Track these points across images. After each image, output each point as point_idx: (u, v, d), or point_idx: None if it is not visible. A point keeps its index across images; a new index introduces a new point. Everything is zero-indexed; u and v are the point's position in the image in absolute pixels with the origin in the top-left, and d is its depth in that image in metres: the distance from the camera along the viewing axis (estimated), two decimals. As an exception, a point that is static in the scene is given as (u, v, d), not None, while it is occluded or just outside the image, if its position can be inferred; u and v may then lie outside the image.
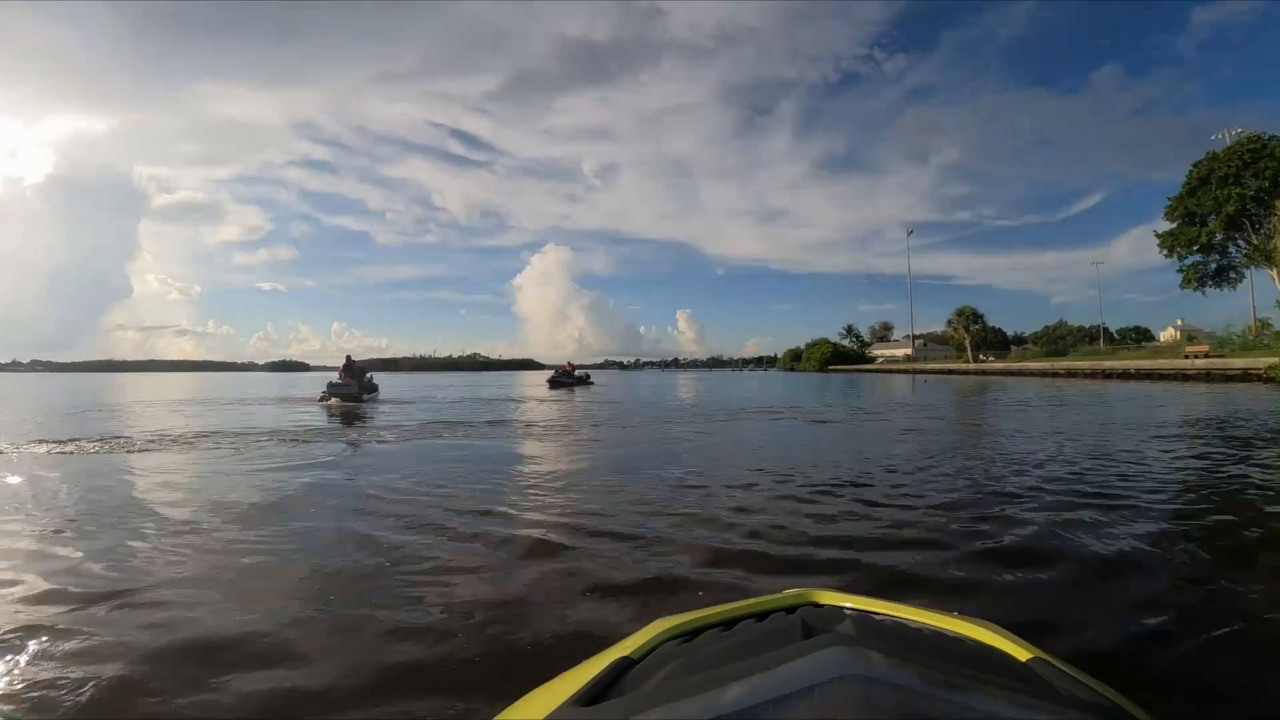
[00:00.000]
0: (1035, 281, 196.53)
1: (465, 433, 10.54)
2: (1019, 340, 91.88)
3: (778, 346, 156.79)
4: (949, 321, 79.00)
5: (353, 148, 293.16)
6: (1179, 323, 65.28)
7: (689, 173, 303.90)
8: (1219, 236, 42.03)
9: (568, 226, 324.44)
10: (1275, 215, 35.84)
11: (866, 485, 5.53)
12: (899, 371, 65.38)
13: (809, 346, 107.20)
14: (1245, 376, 28.34)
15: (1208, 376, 30.18)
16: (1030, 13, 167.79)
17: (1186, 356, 37.60)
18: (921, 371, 58.93)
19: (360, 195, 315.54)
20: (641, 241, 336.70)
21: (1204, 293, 44.82)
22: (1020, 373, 46.31)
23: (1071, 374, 40.01)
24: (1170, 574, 3.24)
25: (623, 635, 1.01)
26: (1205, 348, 39.53)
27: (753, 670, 0.63)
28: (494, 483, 5.84)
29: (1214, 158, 41.42)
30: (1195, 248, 43.34)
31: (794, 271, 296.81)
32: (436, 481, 5.84)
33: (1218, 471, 6.30)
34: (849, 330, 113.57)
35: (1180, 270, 44.88)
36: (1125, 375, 35.65)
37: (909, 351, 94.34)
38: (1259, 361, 29.28)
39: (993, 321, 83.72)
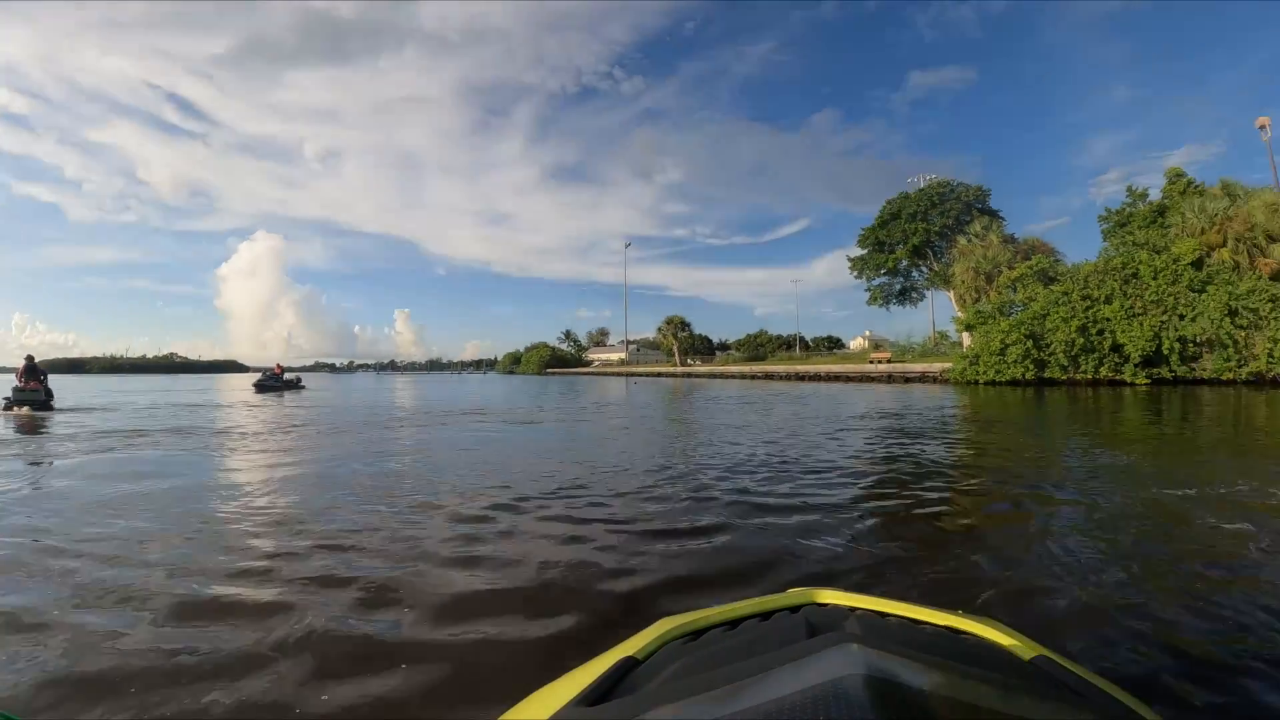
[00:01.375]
0: (741, 295, 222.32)
1: (156, 446, 9.26)
2: (724, 346, 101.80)
3: (498, 349, 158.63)
4: (659, 328, 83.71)
5: (57, 102, 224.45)
6: (867, 333, 77.40)
7: (417, 167, 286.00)
8: (904, 263, 48.39)
9: (283, 213, 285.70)
10: (955, 248, 41.41)
11: (583, 487, 5.56)
12: (613, 374, 67.06)
13: (528, 350, 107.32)
14: (923, 378, 31.62)
15: (889, 378, 33.37)
16: (766, 55, 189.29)
17: (871, 361, 42.36)
18: (634, 374, 60.57)
19: (58, 160, 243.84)
20: (362, 235, 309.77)
21: (889, 309, 51.55)
22: (723, 375, 49.23)
23: (769, 376, 42.73)
24: (856, 543, 3.76)
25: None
26: (888, 354, 45.17)
27: (758, 670, 0.62)
28: (169, 510, 4.90)
29: (906, 197, 47.56)
30: (883, 271, 49.41)
31: (517, 276, 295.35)
32: (100, 515, 4.76)
33: (891, 451, 7.71)
34: (567, 335, 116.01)
35: (868, 290, 51.11)
36: (817, 377, 38.48)
37: (623, 356, 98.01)
38: (934, 366, 33.33)
39: (701, 329, 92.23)
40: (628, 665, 0.81)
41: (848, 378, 36.34)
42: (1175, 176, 30.44)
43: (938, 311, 51.49)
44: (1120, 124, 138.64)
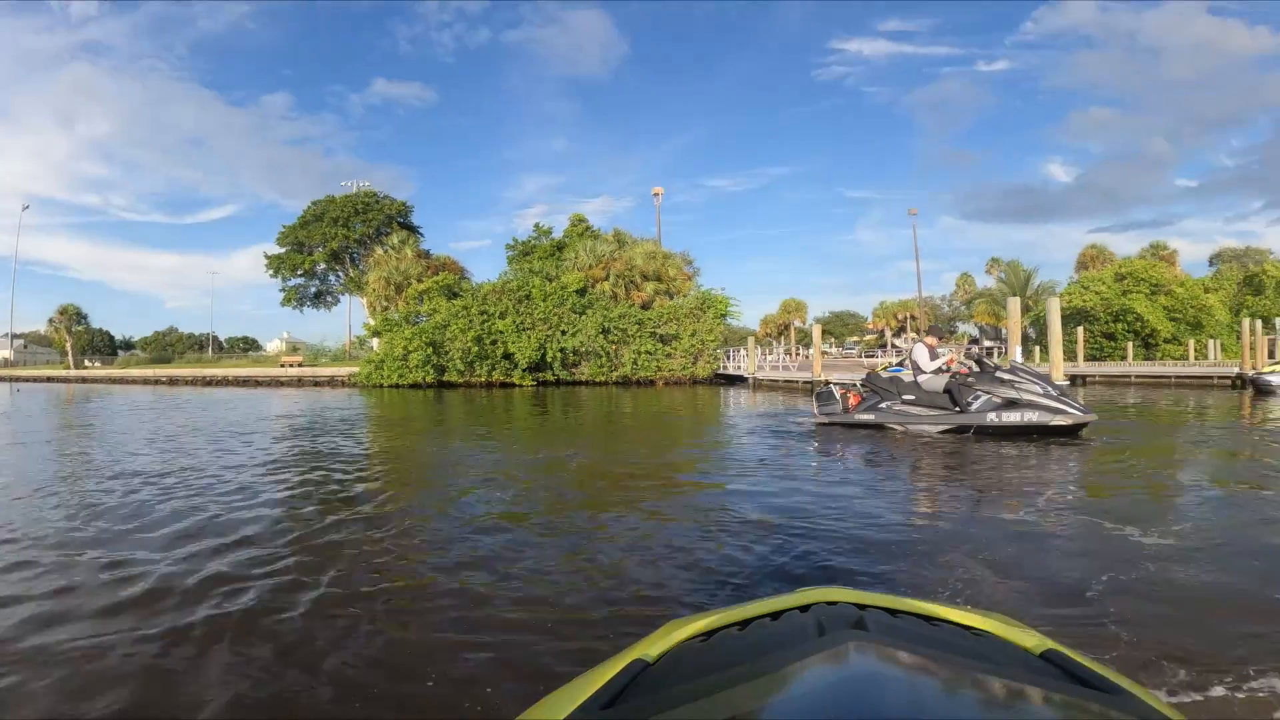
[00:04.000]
0: (152, 283, 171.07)
1: None
2: (128, 345, 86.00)
3: None
4: (51, 320, 67.01)
5: None
6: (285, 335, 71.86)
7: None
8: (321, 266, 46.15)
9: None
10: (371, 256, 41.59)
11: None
12: (-10, 380, 54.00)
13: (-125, 348, 73.57)
14: (332, 382, 32.22)
15: (300, 382, 33.14)
16: (238, 18, 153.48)
17: (283, 365, 41.01)
18: (18, 379, 50.16)
19: None
20: None
21: (302, 311, 48.87)
22: (124, 380, 44.18)
23: (174, 381, 39.82)
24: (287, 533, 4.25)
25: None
26: (300, 358, 43.36)
27: (770, 668, 0.63)
28: None
29: (332, 200, 45.57)
30: (300, 272, 46.21)
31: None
32: None
33: (293, 453, 8.24)
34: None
35: (283, 290, 47.10)
36: (227, 381, 36.83)
37: (8, 354, 78.85)
38: (344, 370, 34.00)
39: (104, 323, 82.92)
40: (639, 667, 0.80)
41: (259, 381, 35.20)
42: (577, 221, 38.08)
43: (355, 317, 51.35)
44: (553, 169, 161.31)
